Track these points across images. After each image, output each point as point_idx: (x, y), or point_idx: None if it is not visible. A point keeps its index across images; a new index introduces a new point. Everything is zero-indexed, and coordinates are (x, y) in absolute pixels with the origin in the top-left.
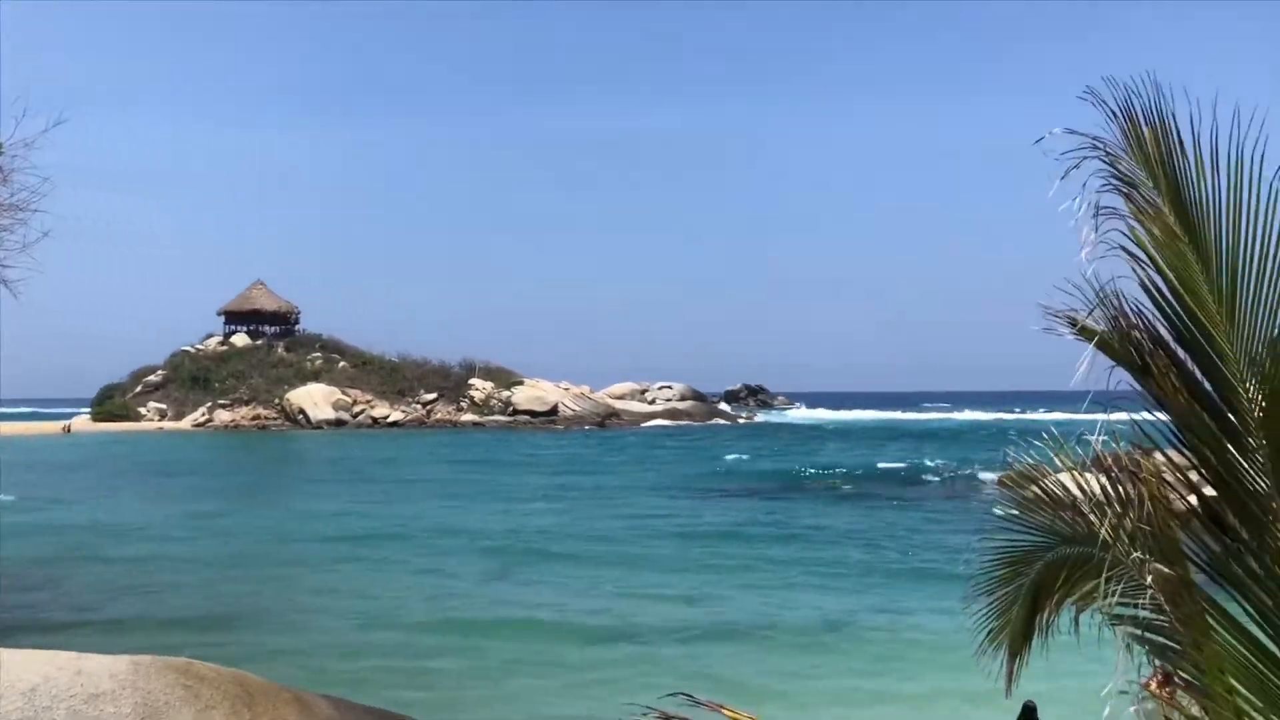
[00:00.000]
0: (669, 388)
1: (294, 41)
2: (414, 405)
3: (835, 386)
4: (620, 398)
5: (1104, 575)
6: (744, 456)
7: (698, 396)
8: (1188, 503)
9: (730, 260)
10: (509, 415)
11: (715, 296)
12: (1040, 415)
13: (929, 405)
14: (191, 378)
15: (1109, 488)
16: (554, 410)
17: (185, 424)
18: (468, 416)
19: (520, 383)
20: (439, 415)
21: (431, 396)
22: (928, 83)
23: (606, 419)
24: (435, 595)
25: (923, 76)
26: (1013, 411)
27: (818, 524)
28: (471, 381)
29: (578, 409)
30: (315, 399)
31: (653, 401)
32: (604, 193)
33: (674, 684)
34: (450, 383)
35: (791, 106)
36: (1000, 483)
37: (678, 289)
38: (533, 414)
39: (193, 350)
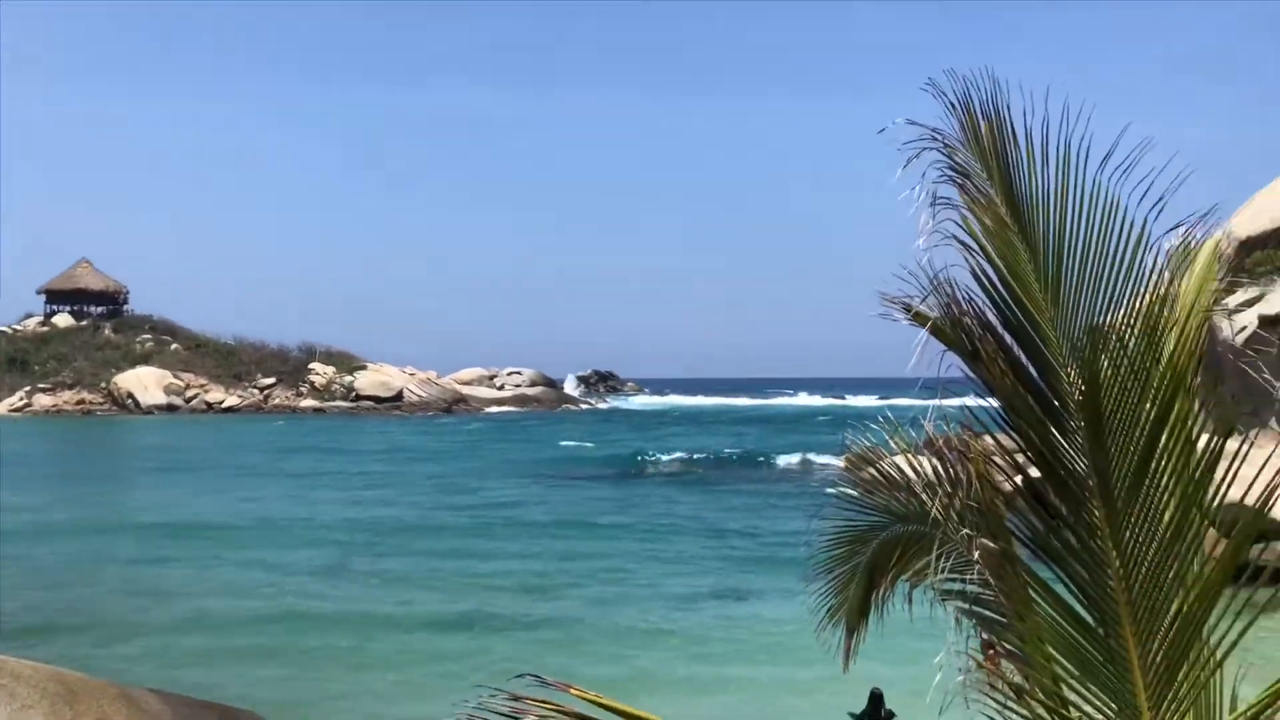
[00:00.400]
0: (518, 373)
1: (123, 6)
2: (251, 390)
3: (685, 373)
4: (468, 383)
5: (935, 552)
6: (590, 443)
7: (548, 382)
8: (1013, 482)
9: (585, 246)
10: (351, 401)
11: (568, 282)
12: (876, 401)
13: (773, 391)
14: (8, 359)
15: (940, 468)
16: (399, 396)
17: (0, 409)
18: (308, 402)
19: (363, 367)
20: (277, 400)
21: (269, 381)
22: (777, 73)
23: (454, 405)
24: (270, 588)
25: (773, 68)
26: (842, 397)
27: (661, 509)
28: (312, 366)
29: (424, 395)
30: (145, 383)
31: (501, 387)
32: (453, 174)
33: (519, 670)
34: (289, 367)
35: (646, 90)
36: (842, 466)
37: (529, 274)
38: (376, 400)
39: (9, 330)
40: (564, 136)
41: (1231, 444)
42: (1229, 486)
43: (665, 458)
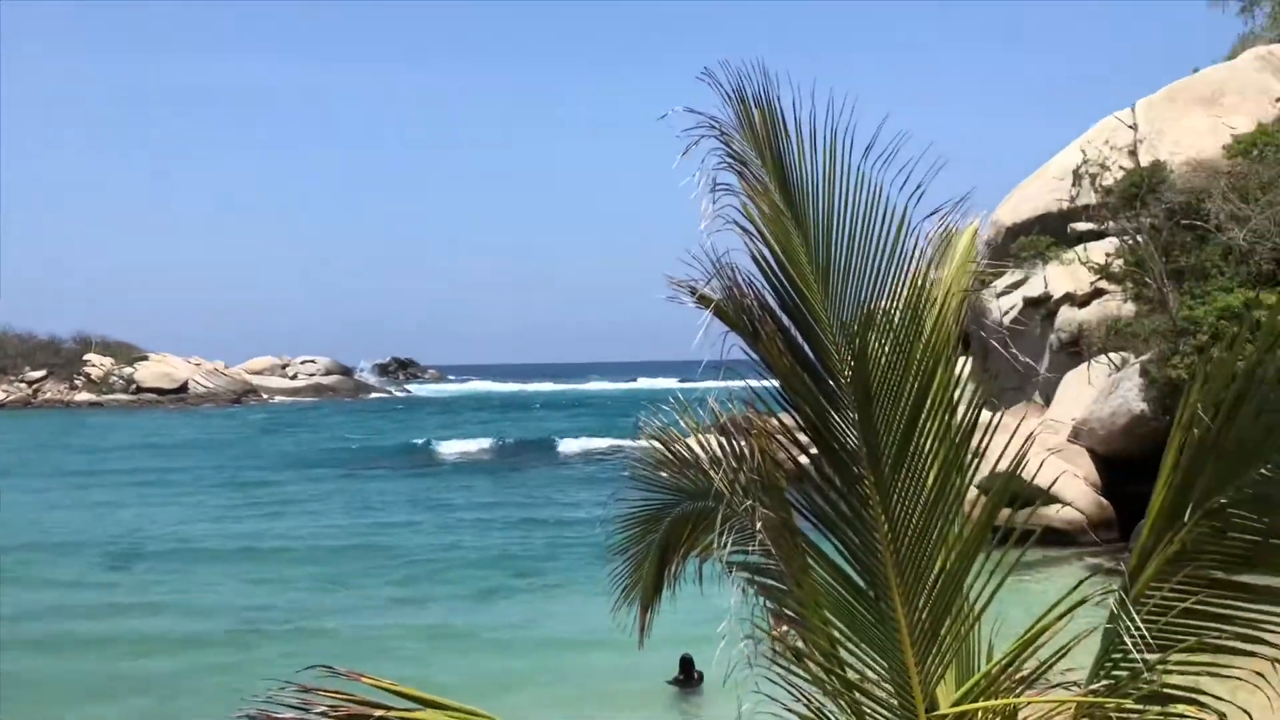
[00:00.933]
0: (312, 361)
1: None
2: (18, 384)
3: (491, 359)
4: (259, 373)
5: (719, 525)
6: (386, 433)
7: (344, 370)
8: (792, 457)
9: (382, 231)
10: (132, 394)
11: (367, 267)
12: (674, 383)
13: (575, 375)
14: None
15: (725, 445)
16: (184, 387)
17: None
18: (84, 395)
19: (145, 358)
20: (49, 395)
21: (39, 374)
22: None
23: (244, 395)
24: (33, 603)
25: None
26: (635, 379)
27: (459, 499)
28: (88, 357)
29: (211, 385)
30: None
31: (294, 376)
32: (231, 150)
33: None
34: (61, 359)
35: (415, 63)
36: (636, 448)
37: (327, 259)
38: (160, 392)
39: None
40: (352, 113)
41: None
42: (982, 456)
43: (462, 446)
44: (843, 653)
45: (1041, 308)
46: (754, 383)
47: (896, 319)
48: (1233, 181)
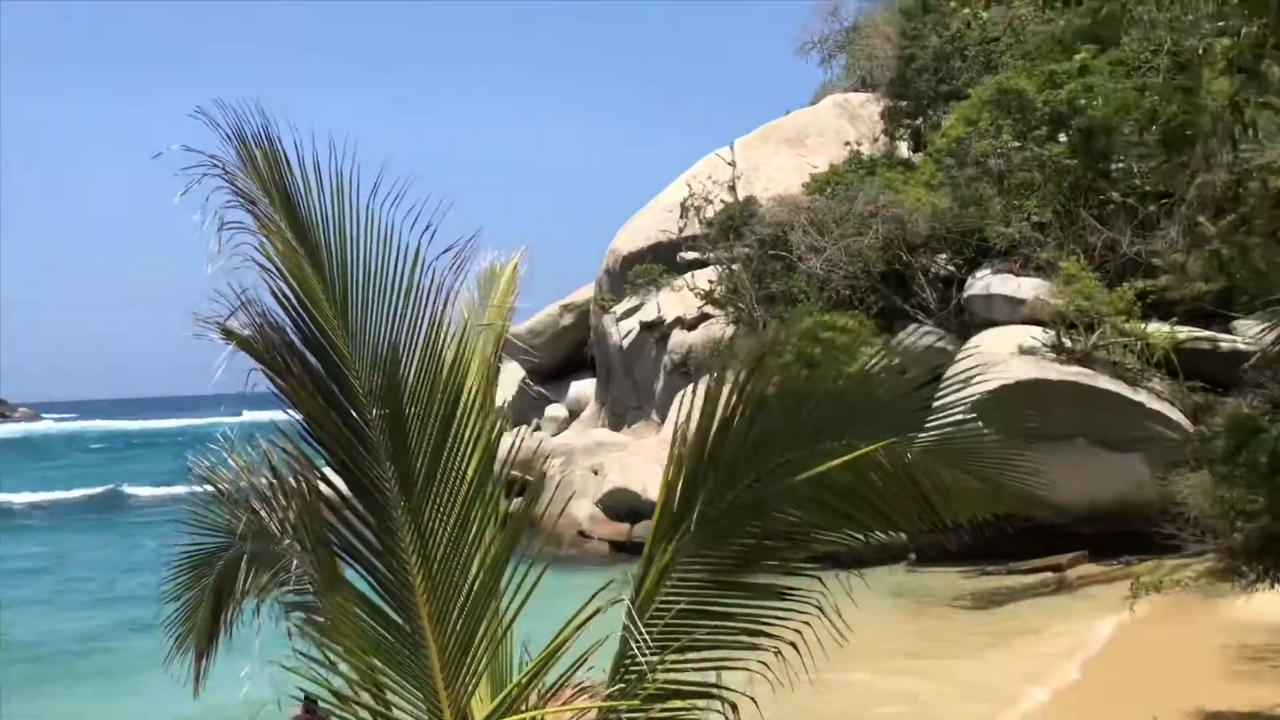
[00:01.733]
0: None
1: None
2: None
3: (107, 393)
4: None
5: (250, 566)
6: None
7: None
8: (321, 494)
9: None
10: None
11: None
12: (240, 416)
13: (187, 409)
14: None
15: (273, 483)
16: None
17: None
18: None
19: None
20: None
21: None
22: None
23: None
24: None
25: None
26: (239, 413)
27: (17, 559)
28: None
29: None
30: None
31: None
32: None
33: None
34: None
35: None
36: (191, 490)
37: None
38: None
39: None
40: None
41: (616, 435)
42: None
43: (30, 497)
44: (390, 695)
45: (656, 331)
46: (284, 416)
47: (422, 344)
48: (811, 216)
